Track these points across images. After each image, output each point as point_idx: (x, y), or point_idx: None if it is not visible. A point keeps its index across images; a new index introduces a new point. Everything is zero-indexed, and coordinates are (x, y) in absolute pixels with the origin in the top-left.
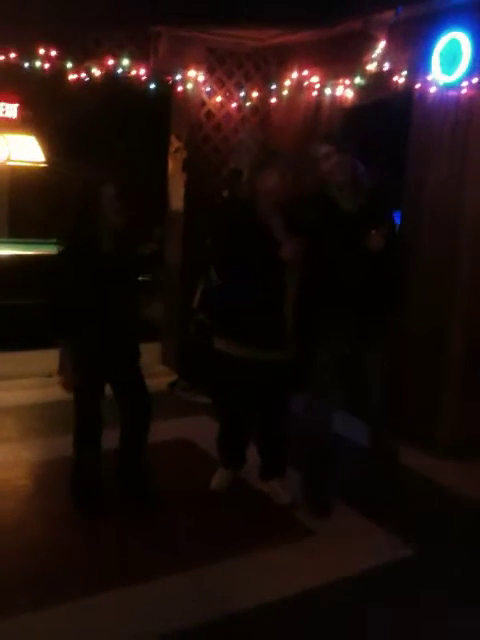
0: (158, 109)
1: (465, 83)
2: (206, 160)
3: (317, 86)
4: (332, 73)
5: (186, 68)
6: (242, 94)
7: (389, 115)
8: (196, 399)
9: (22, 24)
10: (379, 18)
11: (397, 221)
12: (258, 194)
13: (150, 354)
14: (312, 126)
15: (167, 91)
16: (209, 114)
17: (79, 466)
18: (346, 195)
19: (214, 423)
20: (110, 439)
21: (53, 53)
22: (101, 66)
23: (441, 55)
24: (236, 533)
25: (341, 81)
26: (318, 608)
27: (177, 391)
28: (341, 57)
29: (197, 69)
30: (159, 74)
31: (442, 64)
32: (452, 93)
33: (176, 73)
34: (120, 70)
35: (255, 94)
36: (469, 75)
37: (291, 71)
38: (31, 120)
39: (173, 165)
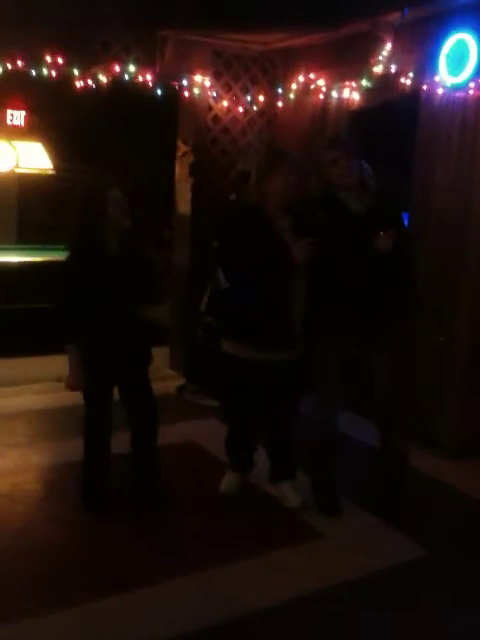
0: (165, 113)
1: (472, 84)
2: (213, 164)
3: (324, 89)
4: (338, 76)
5: (193, 72)
6: (249, 98)
7: (396, 117)
8: (204, 402)
9: (28, 30)
10: (385, 20)
11: (405, 223)
12: (266, 196)
13: (158, 357)
14: (319, 129)
15: (174, 95)
16: (216, 118)
17: (87, 467)
18: (353, 197)
19: (222, 426)
20: (124, 442)
21: (59, 60)
22: (108, 72)
23: (448, 56)
24: (244, 536)
25: (348, 83)
26: (326, 611)
27: (185, 394)
28: (347, 59)
29: (203, 74)
30: (166, 79)
31: (449, 65)
32: (459, 94)
33: (183, 78)
34: (127, 76)
35: (262, 98)
36: (476, 76)
37: (297, 74)
38: (38, 127)
39: (180, 169)
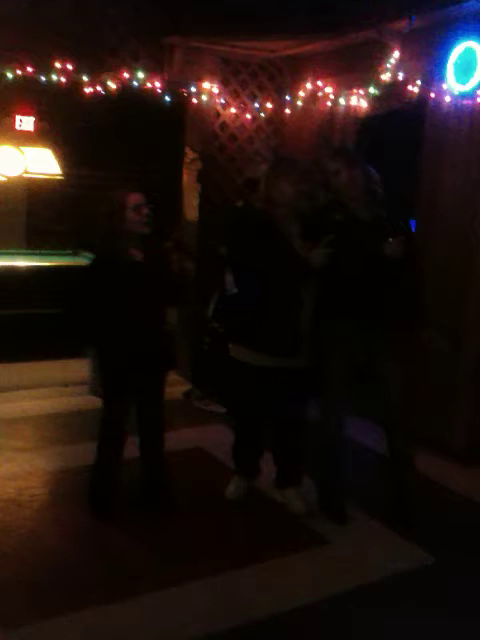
0: (172, 119)
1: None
2: (221, 170)
3: (331, 96)
4: (346, 83)
5: (200, 80)
6: (256, 105)
7: (403, 124)
8: (210, 408)
9: (37, 36)
10: (393, 27)
11: (413, 229)
12: (274, 203)
13: None
14: (326, 136)
15: (182, 102)
16: (223, 125)
17: (97, 469)
18: (361, 205)
19: (229, 432)
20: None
21: (69, 66)
22: (116, 79)
23: (455, 64)
24: (250, 542)
25: (355, 91)
26: (333, 617)
27: (192, 400)
28: (355, 67)
29: (211, 81)
30: (174, 86)
31: (456, 73)
32: (467, 102)
33: (191, 85)
34: (135, 82)
35: (269, 105)
36: None
37: (305, 81)
38: (47, 132)
39: (188, 176)
